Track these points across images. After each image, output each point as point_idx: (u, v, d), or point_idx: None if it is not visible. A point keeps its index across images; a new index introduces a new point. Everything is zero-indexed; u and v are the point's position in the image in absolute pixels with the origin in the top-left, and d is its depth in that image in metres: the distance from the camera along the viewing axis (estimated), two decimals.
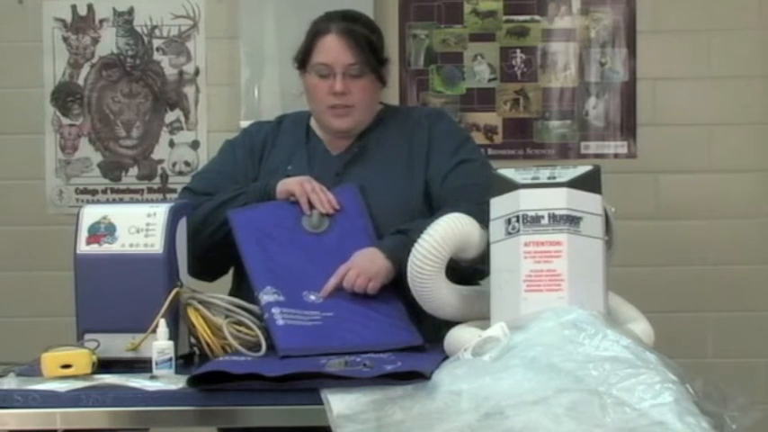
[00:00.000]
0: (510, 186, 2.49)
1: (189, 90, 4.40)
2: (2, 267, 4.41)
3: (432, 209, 2.84)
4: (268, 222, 2.80)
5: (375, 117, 3.06)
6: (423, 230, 2.58)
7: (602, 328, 2.27)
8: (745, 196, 4.31)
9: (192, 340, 2.63)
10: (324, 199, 2.84)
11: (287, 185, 2.87)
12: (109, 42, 4.40)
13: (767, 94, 4.28)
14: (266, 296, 2.62)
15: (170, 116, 4.41)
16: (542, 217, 2.43)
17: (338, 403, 2.21)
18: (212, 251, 2.86)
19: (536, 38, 4.32)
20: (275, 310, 2.58)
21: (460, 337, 2.47)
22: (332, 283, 2.71)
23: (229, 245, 2.82)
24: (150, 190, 4.41)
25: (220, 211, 2.87)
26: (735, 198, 4.30)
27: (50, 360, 2.41)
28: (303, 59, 3.00)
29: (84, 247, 2.59)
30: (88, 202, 4.29)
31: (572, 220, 2.43)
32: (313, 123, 3.07)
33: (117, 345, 2.52)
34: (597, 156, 4.27)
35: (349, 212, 2.83)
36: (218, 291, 2.83)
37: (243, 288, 2.83)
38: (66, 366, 2.40)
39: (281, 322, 2.56)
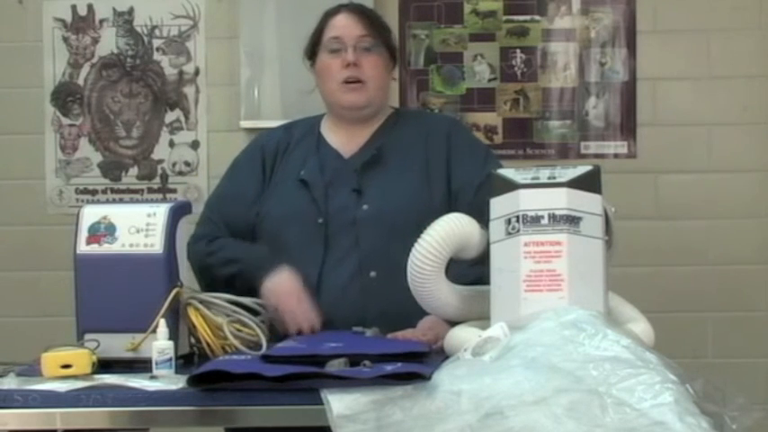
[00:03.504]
0: (510, 186, 2.49)
1: (189, 90, 4.40)
2: (2, 267, 4.41)
3: None
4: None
5: (388, 120, 3.07)
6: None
7: (602, 328, 2.26)
8: (745, 196, 4.31)
9: (192, 340, 2.64)
10: (300, 320, 2.80)
11: (273, 297, 2.82)
12: (109, 42, 4.40)
13: (767, 94, 4.28)
14: (283, 342, 2.60)
15: (170, 116, 4.41)
16: (542, 217, 2.43)
17: (338, 403, 2.21)
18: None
19: (536, 38, 4.32)
20: (281, 344, 2.57)
21: (460, 337, 2.47)
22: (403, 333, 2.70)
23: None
24: (150, 190, 4.41)
25: (218, 274, 2.92)
26: (735, 198, 4.31)
27: (50, 360, 2.41)
28: (314, 44, 3.04)
29: (84, 247, 2.59)
30: (88, 202, 4.29)
31: (572, 220, 2.43)
32: (323, 129, 3.08)
33: (117, 345, 2.52)
34: (597, 156, 4.27)
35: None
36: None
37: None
38: (67, 366, 2.40)
39: (280, 345, 2.55)
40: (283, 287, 2.83)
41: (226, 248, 2.96)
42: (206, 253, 2.96)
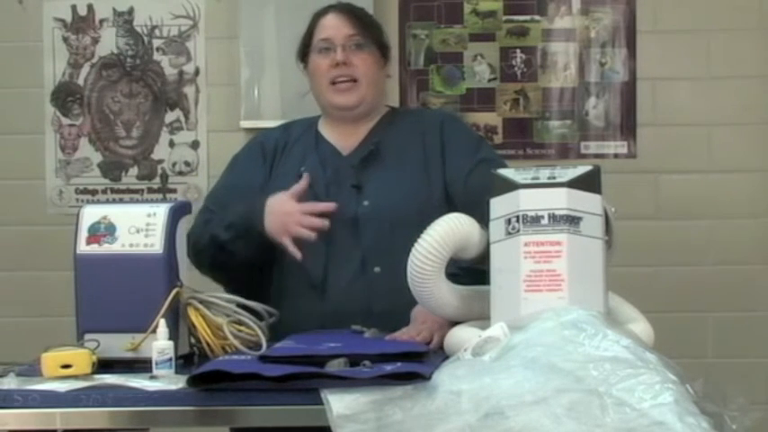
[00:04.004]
0: (510, 186, 2.49)
1: (189, 90, 4.40)
2: (2, 267, 4.41)
3: (454, 209, 2.79)
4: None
5: (384, 118, 3.08)
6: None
7: (602, 328, 2.26)
8: (745, 196, 4.31)
9: (192, 340, 2.64)
10: (308, 223, 2.81)
11: (274, 233, 2.84)
12: (109, 42, 4.40)
13: (767, 94, 4.28)
14: (281, 342, 2.61)
15: (170, 116, 4.41)
16: (542, 217, 2.43)
17: (338, 403, 2.21)
18: (220, 269, 2.93)
19: (536, 38, 4.32)
20: (279, 344, 2.58)
21: (460, 337, 2.47)
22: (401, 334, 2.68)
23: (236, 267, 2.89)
24: (150, 190, 4.41)
25: (214, 240, 2.92)
26: (735, 198, 4.30)
27: (50, 360, 2.41)
28: (305, 46, 3.05)
29: (84, 247, 2.59)
30: (88, 202, 4.29)
31: (572, 220, 2.43)
32: (321, 127, 3.08)
33: (117, 345, 2.52)
34: (597, 156, 4.27)
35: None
36: (219, 290, 2.84)
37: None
38: (66, 366, 2.40)
39: (278, 345, 2.55)
40: (279, 209, 2.84)
41: (216, 220, 2.96)
42: (199, 234, 2.95)
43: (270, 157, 3.05)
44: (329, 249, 2.90)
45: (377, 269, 2.89)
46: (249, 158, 3.08)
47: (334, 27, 3.01)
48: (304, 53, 3.07)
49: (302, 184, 2.85)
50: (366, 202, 2.93)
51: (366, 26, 3.04)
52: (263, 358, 2.42)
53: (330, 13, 3.04)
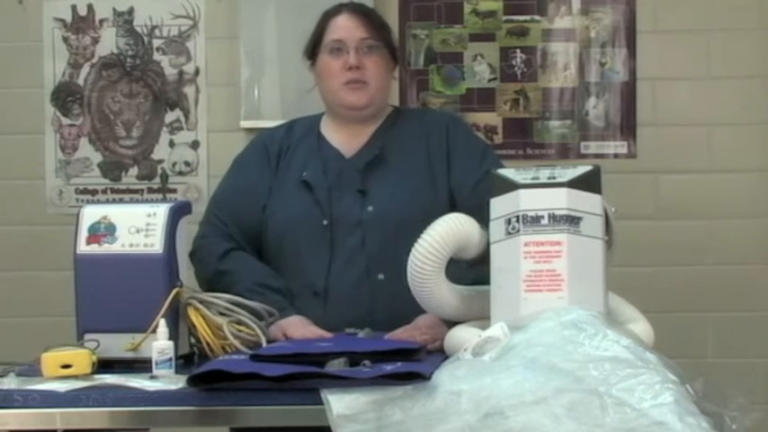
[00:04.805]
0: (510, 186, 2.49)
1: (189, 90, 4.40)
2: (2, 267, 4.41)
3: None
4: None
5: (388, 120, 3.06)
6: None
7: (602, 328, 2.27)
8: (745, 196, 4.30)
9: (192, 340, 2.64)
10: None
11: (282, 330, 2.78)
12: (109, 42, 4.40)
13: (767, 94, 4.28)
14: (274, 344, 2.61)
15: (170, 116, 4.41)
16: (542, 217, 2.43)
17: (338, 403, 2.21)
18: None
19: (536, 38, 4.32)
20: (270, 344, 2.58)
21: (460, 337, 2.47)
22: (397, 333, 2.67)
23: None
24: (150, 190, 4.41)
25: (232, 291, 2.81)
26: (735, 198, 4.30)
27: (50, 360, 2.41)
28: (315, 44, 3.02)
29: (84, 247, 2.59)
30: (88, 202, 4.29)
31: (572, 220, 2.43)
32: (323, 128, 3.07)
33: (117, 345, 2.53)
34: (597, 156, 4.27)
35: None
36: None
37: None
38: (67, 366, 2.41)
39: (268, 345, 2.55)
40: (295, 322, 2.80)
41: (239, 276, 2.89)
42: (218, 271, 2.92)
43: (274, 160, 3.02)
44: (332, 255, 2.89)
45: (381, 276, 2.88)
46: (254, 161, 3.05)
47: (347, 29, 2.99)
48: (313, 51, 3.05)
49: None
50: (371, 207, 2.92)
51: (377, 28, 3.02)
52: (255, 357, 2.42)
53: (343, 14, 3.02)
